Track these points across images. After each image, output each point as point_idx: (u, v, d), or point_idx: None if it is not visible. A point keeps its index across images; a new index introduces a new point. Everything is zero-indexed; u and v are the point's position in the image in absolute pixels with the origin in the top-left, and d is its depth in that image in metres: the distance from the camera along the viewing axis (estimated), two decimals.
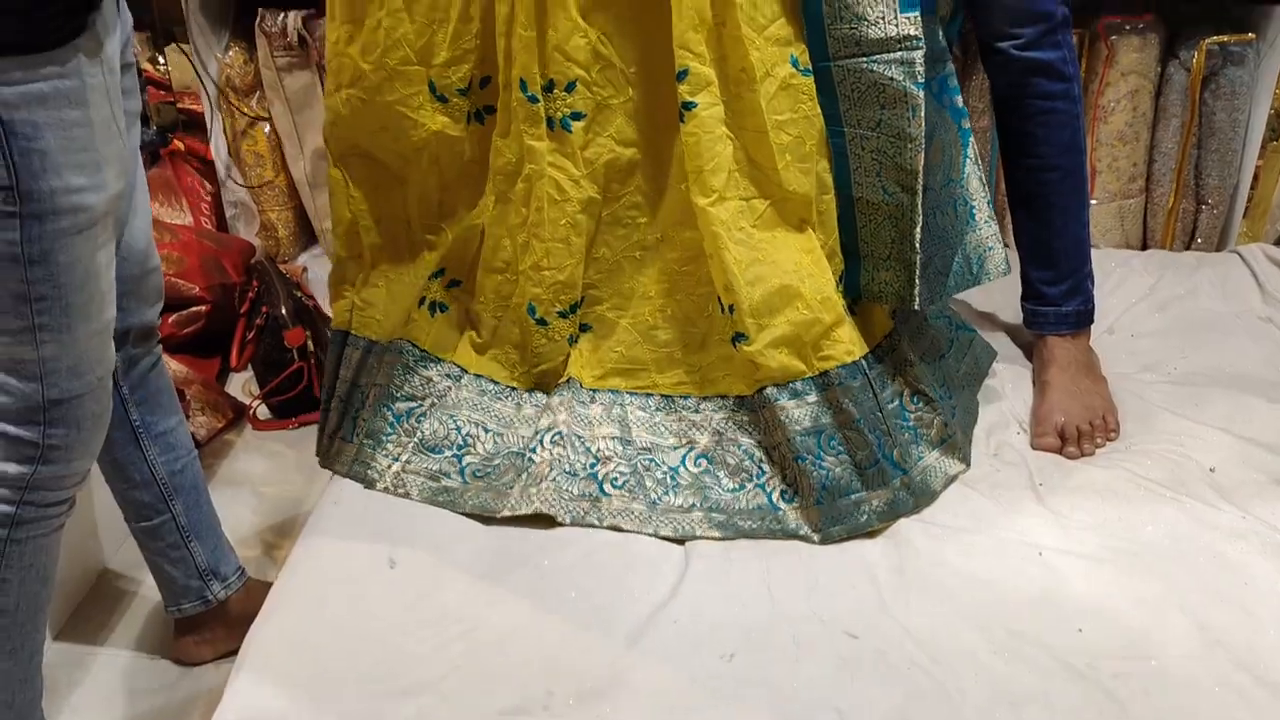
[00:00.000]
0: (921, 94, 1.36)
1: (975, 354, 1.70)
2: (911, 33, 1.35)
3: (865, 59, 1.36)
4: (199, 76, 2.36)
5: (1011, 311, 1.86)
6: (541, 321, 1.48)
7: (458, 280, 1.54)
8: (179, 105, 2.54)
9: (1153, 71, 2.30)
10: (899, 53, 1.35)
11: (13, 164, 1.01)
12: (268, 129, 2.43)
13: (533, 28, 1.35)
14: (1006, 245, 1.68)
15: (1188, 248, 2.38)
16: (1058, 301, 1.68)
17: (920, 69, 1.35)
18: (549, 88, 1.39)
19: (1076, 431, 1.55)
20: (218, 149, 2.44)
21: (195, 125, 2.52)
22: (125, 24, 1.22)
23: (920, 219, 1.41)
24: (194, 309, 2.12)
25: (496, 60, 1.41)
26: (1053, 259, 1.67)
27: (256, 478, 1.94)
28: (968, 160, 1.58)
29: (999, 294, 1.91)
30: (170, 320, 2.08)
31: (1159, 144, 2.36)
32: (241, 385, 2.17)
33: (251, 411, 2.07)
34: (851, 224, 1.47)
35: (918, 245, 1.42)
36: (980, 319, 1.93)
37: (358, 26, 1.42)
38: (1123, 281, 2.06)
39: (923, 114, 1.36)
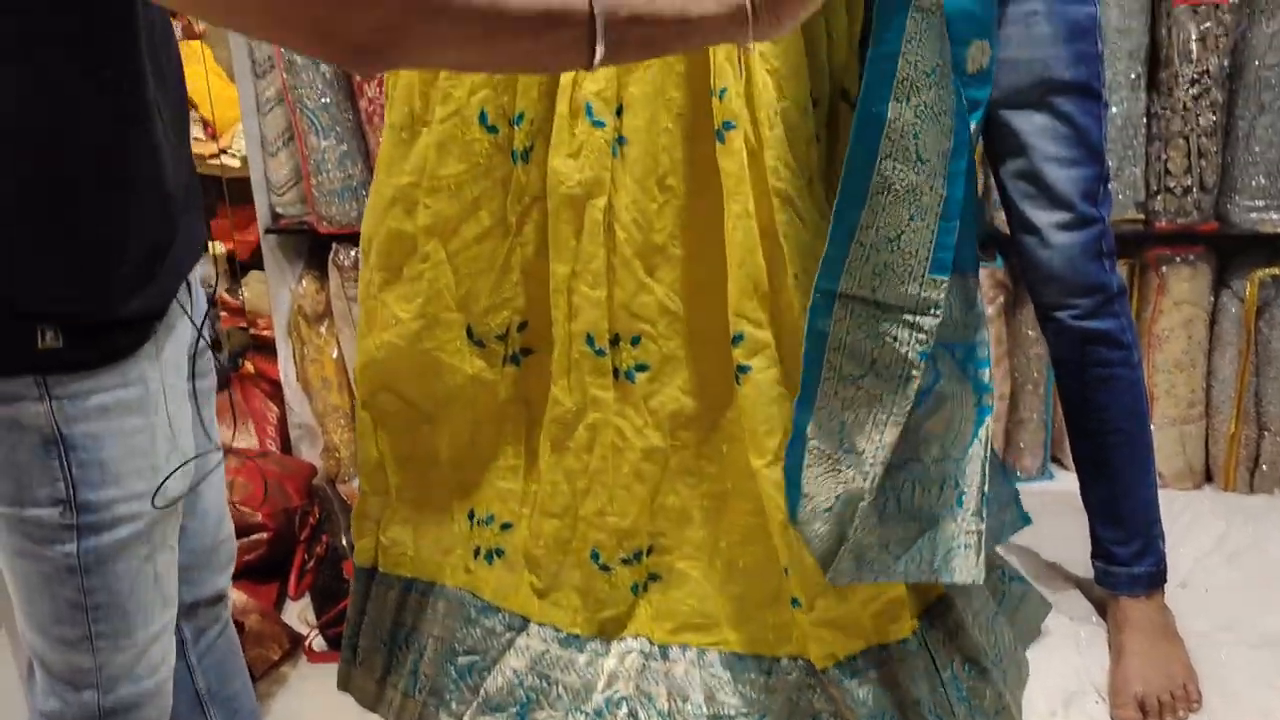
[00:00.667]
0: (921, 368, 1.25)
1: (1028, 609, 1.66)
2: (934, 297, 1.23)
3: (877, 308, 1.25)
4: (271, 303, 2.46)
5: (1081, 565, 1.83)
6: (605, 568, 1.47)
7: (509, 523, 1.54)
8: (251, 330, 2.64)
9: (1205, 301, 2.32)
10: (912, 315, 1.24)
11: (70, 477, 0.99)
12: (335, 353, 2.50)
13: (601, 287, 1.39)
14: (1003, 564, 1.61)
15: (1252, 475, 2.34)
16: (1129, 562, 1.66)
17: (930, 339, 1.24)
18: (615, 341, 1.42)
19: (1158, 703, 1.51)
20: (286, 374, 2.51)
21: (266, 348, 2.61)
22: (199, 308, 1.20)
23: (870, 496, 1.28)
24: (256, 536, 2.14)
25: (537, 306, 1.43)
26: (1121, 520, 1.66)
27: (311, 716, 1.91)
28: (976, 441, 1.39)
29: (1066, 545, 1.88)
30: None
31: (1216, 371, 2.36)
32: (298, 613, 2.16)
33: (308, 643, 2.06)
34: (798, 465, 1.32)
35: (856, 519, 1.27)
36: (1048, 570, 1.90)
37: (393, 274, 1.45)
38: (1191, 527, 2.03)
39: (913, 390, 1.24)
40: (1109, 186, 1.57)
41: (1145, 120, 2.18)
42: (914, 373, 1.23)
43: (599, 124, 1.34)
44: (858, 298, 1.25)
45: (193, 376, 1.16)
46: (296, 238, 2.48)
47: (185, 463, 1.11)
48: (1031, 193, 1.53)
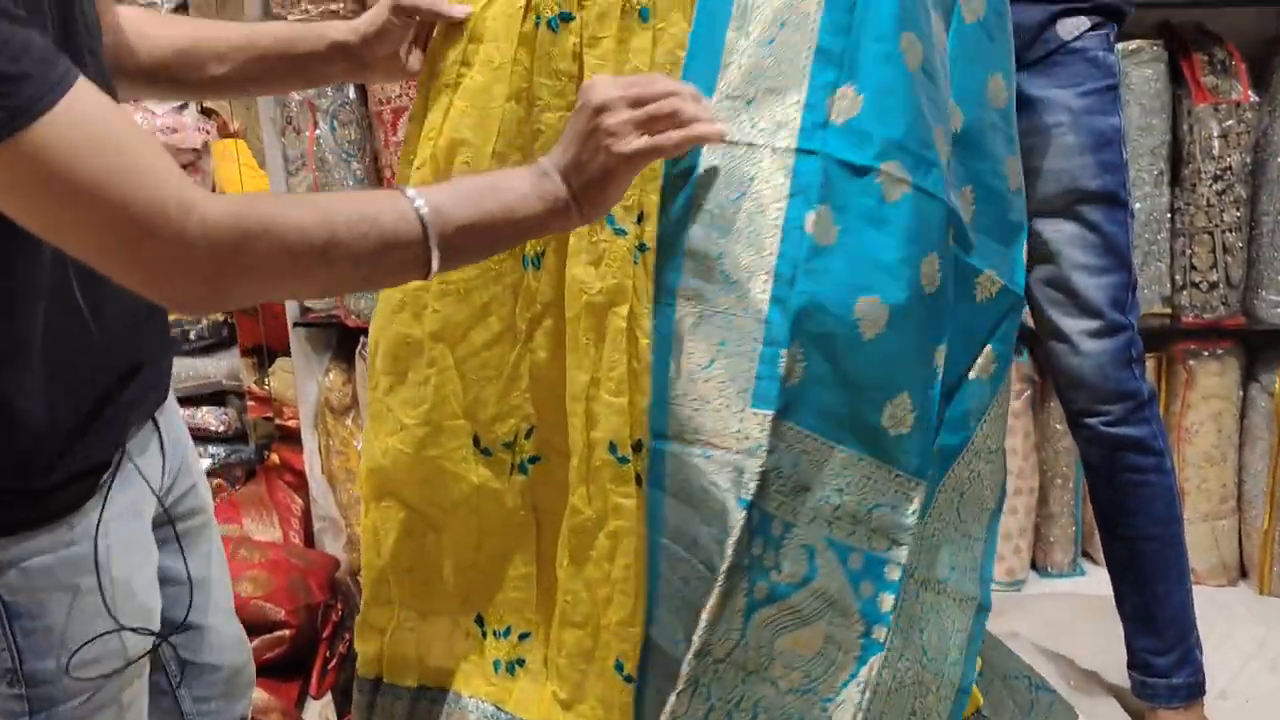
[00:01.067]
0: (741, 517, 1.06)
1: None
2: (754, 433, 1.06)
3: (695, 446, 1.12)
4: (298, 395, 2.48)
5: (1116, 670, 1.80)
6: (630, 679, 1.45)
7: (527, 633, 1.52)
8: (277, 421, 2.66)
9: (1234, 395, 2.30)
10: (731, 454, 1.07)
11: (15, 646, 0.92)
12: (359, 445, 2.51)
13: (624, 394, 1.39)
14: None
15: None
16: (1167, 673, 1.63)
17: (752, 484, 1.06)
18: (637, 447, 1.42)
19: None
20: (311, 466, 2.52)
21: (291, 438, 2.62)
22: (178, 451, 1.14)
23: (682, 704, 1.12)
24: (277, 634, 2.13)
25: (546, 413, 1.41)
26: (1157, 628, 1.63)
27: None
28: (854, 683, 1.12)
29: (1099, 650, 1.86)
30: (253, 645, 2.09)
31: (1247, 465, 2.33)
32: (319, 712, 2.14)
33: None
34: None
35: None
36: (1082, 677, 1.87)
37: (399, 379, 1.42)
38: (1229, 634, 2.00)
39: (733, 542, 1.05)
40: (1137, 294, 1.57)
41: (1169, 216, 2.18)
42: (732, 522, 1.07)
43: (621, 232, 1.35)
44: (680, 440, 1.16)
45: (172, 521, 1.10)
46: (325, 330, 2.51)
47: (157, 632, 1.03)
48: (1060, 300, 1.53)
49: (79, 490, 0.95)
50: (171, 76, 1.18)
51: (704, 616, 1.09)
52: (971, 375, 1.18)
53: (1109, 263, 1.51)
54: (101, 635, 0.97)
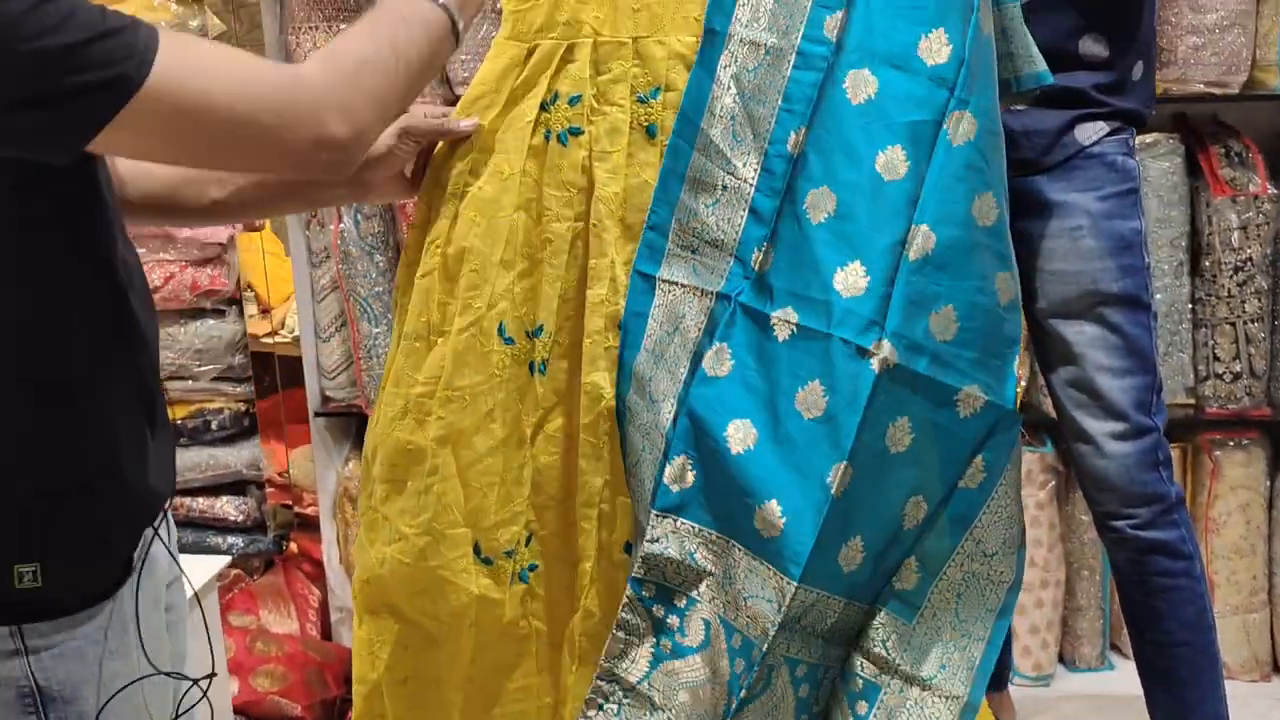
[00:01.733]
0: (627, 591, 1.30)
1: None
2: (650, 528, 1.27)
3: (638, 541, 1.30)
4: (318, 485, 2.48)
5: None
6: None
7: None
8: (296, 509, 2.65)
9: (1262, 485, 2.27)
10: (643, 542, 1.28)
11: None
12: None
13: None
14: None
15: None
16: None
17: (639, 567, 1.28)
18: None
19: None
20: (330, 556, 2.51)
21: (310, 526, 2.61)
22: (171, 535, 1.17)
23: None
24: None
25: (546, 518, 1.41)
26: None
27: None
28: None
29: None
30: None
31: (1277, 557, 2.29)
32: None
33: None
34: None
35: None
36: None
37: (397, 487, 1.40)
38: None
39: (621, 606, 1.29)
40: (1162, 397, 1.56)
41: (1190, 306, 2.18)
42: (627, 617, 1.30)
43: None
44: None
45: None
46: (344, 420, 2.51)
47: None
48: (1085, 402, 1.52)
49: (117, 573, 0.99)
50: (174, 202, 1.22)
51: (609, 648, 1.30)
52: (960, 484, 1.25)
53: (1132, 365, 1.51)
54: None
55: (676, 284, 1.30)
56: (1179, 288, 2.16)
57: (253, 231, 2.50)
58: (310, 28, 2.25)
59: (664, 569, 1.29)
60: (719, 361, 1.26)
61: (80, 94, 0.83)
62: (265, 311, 2.56)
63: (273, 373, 2.53)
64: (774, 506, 1.20)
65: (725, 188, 1.27)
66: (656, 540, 1.28)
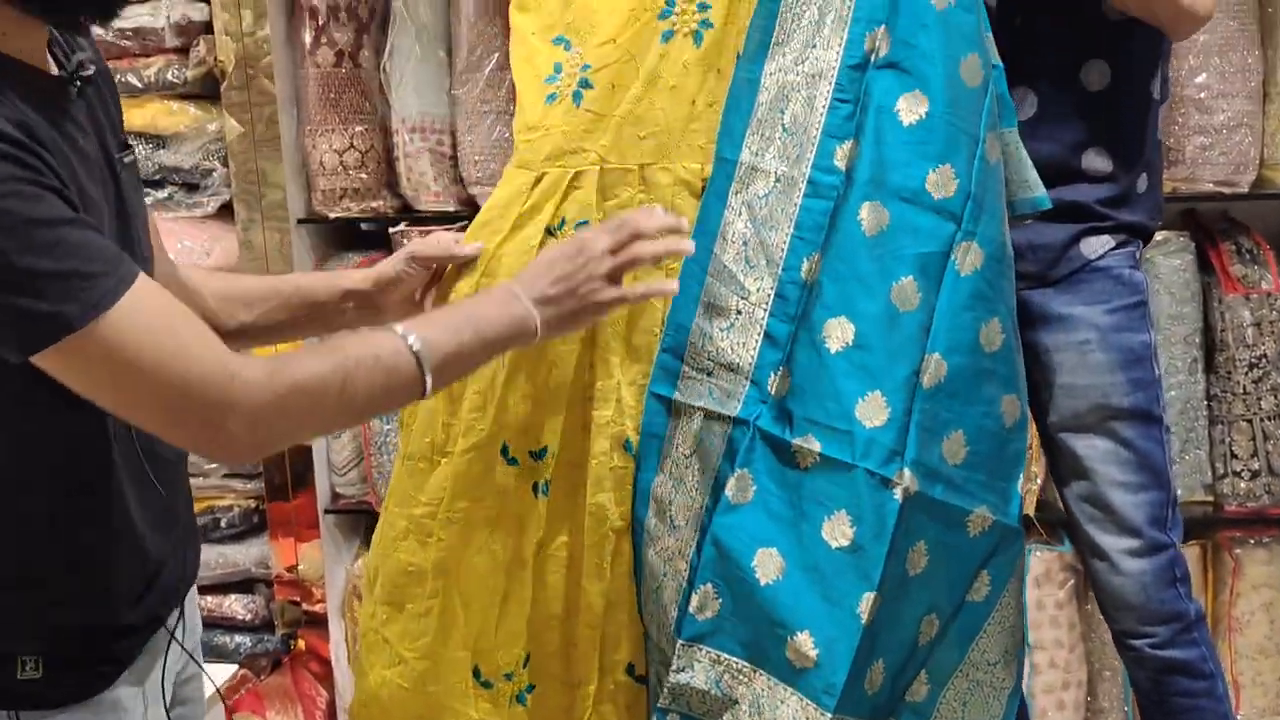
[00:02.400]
0: None
1: None
2: (673, 656, 1.29)
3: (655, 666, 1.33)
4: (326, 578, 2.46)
5: None
6: None
7: None
8: (304, 606, 2.62)
9: None
10: (667, 672, 1.29)
11: None
12: None
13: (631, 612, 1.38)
14: None
15: None
16: None
17: (664, 696, 1.30)
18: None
19: None
20: (338, 655, 2.48)
21: (318, 623, 2.58)
22: (192, 631, 1.19)
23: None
24: None
25: (543, 640, 1.40)
26: None
27: None
28: None
29: None
30: None
31: None
32: None
33: None
34: None
35: None
36: None
37: (397, 609, 1.40)
38: None
39: None
40: (1178, 511, 1.53)
41: (1206, 403, 2.16)
42: None
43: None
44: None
45: (170, 703, 1.12)
46: (354, 517, 2.50)
47: None
48: (1098, 517, 1.50)
49: (120, 659, 1.02)
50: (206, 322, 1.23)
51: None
52: (967, 598, 1.30)
53: (1145, 479, 1.48)
54: None
55: (693, 407, 1.31)
56: (1194, 384, 2.14)
57: None
58: (327, 130, 2.28)
59: (689, 699, 1.29)
60: (742, 488, 1.27)
61: (23, 318, 0.87)
62: None
63: (283, 469, 2.52)
64: (806, 638, 1.22)
65: (739, 312, 1.29)
66: (683, 670, 1.28)
